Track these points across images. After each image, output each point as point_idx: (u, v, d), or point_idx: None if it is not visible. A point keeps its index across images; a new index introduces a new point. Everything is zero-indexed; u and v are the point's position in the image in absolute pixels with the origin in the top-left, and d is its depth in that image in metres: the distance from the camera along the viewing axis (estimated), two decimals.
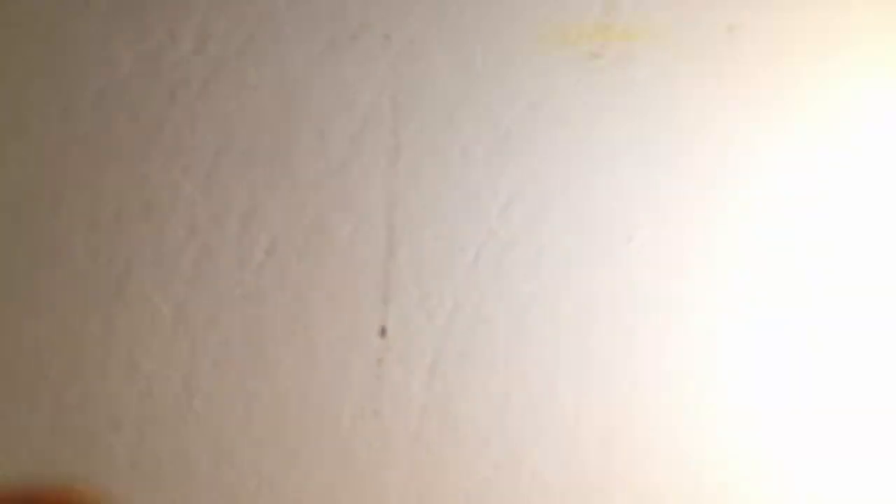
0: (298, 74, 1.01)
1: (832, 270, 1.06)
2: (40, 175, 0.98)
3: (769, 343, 1.06)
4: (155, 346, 0.98)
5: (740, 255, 1.07)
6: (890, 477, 1.04)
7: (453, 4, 1.05)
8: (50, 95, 0.98)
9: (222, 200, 0.99)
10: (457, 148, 1.04)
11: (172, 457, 0.98)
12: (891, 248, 1.05)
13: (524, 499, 1.02)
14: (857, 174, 1.08)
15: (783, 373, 1.06)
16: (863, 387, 1.05)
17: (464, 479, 1.02)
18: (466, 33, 1.04)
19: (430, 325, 1.03)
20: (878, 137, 1.08)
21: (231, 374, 0.99)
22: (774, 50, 1.08)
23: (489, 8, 1.05)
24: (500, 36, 1.05)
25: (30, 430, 0.96)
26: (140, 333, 0.98)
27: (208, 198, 0.99)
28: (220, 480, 0.98)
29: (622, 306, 1.05)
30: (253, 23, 1.01)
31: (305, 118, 1.01)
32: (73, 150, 0.99)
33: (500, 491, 1.02)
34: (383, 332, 1.02)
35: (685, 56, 1.06)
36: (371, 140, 1.01)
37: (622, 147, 1.04)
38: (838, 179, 1.08)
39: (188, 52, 1.00)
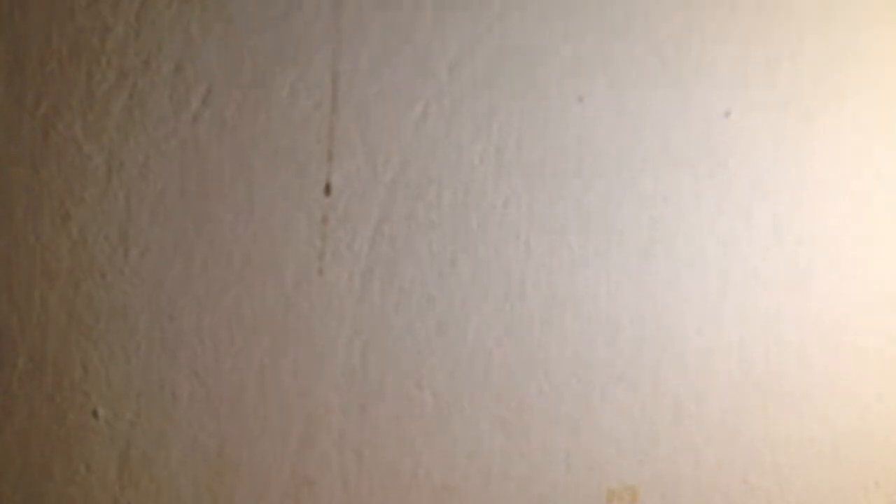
0: None
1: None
2: None
3: (718, 198, 1.05)
4: (87, 196, 0.94)
5: (690, 116, 1.05)
6: None
7: None
8: None
9: (154, 43, 0.93)
10: None
11: (110, 311, 0.96)
12: None
13: (466, 360, 1.03)
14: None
15: (732, 226, 1.06)
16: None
17: (407, 339, 1.02)
18: None
19: (376, 183, 1.00)
20: None
21: (169, 227, 0.96)
22: None
23: None
24: None
25: None
26: (71, 182, 0.94)
27: (139, 39, 0.93)
28: (159, 337, 0.97)
29: (573, 166, 1.03)
30: None
31: None
32: None
33: (443, 351, 1.02)
34: (328, 189, 0.99)
35: None
36: None
37: (577, 5, 1.00)
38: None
39: None
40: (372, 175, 1.00)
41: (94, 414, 0.96)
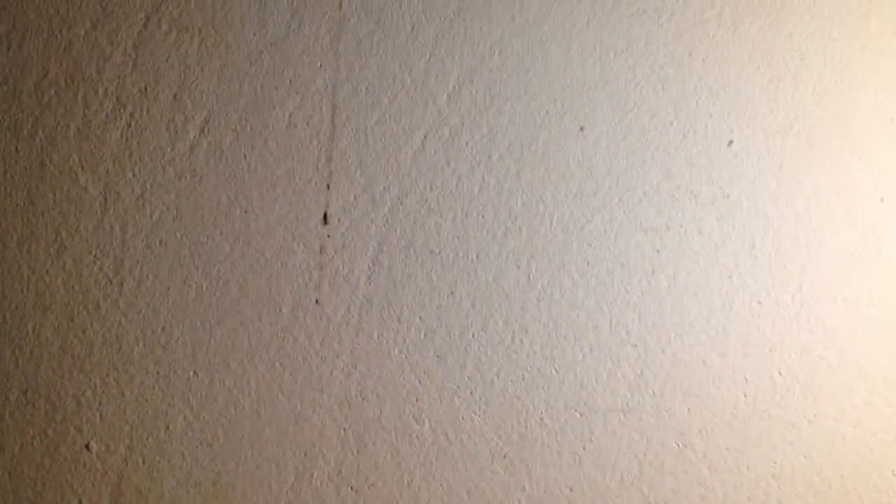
0: None
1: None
2: None
3: (721, 227, 1.04)
4: (82, 226, 0.93)
5: (693, 145, 1.04)
6: None
7: None
8: None
9: (152, 72, 0.93)
10: (406, 25, 0.98)
11: (104, 342, 0.94)
12: None
13: (466, 392, 1.01)
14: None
15: (736, 255, 1.05)
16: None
17: (406, 370, 1.00)
18: None
19: (374, 212, 0.99)
20: None
21: (164, 257, 0.95)
22: None
23: None
24: None
25: None
26: (66, 212, 0.93)
27: (136, 69, 0.93)
28: (153, 368, 0.95)
29: (573, 195, 1.02)
30: None
31: None
32: None
33: (442, 383, 1.01)
34: (326, 218, 0.98)
35: None
36: (314, 12, 0.95)
37: (577, 33, 0.99)
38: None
39: None
40: (370, 204, 0.99)
41: (87, 447, 0.95)
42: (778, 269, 1.03)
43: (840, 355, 1.05)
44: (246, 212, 0.95)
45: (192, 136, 0.94)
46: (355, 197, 0.98)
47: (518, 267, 1.02)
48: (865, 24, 0.98)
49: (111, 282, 0.94)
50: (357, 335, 0.99)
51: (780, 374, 1.06)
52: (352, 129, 0.97)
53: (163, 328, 0.95)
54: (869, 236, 1.03)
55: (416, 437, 1.00)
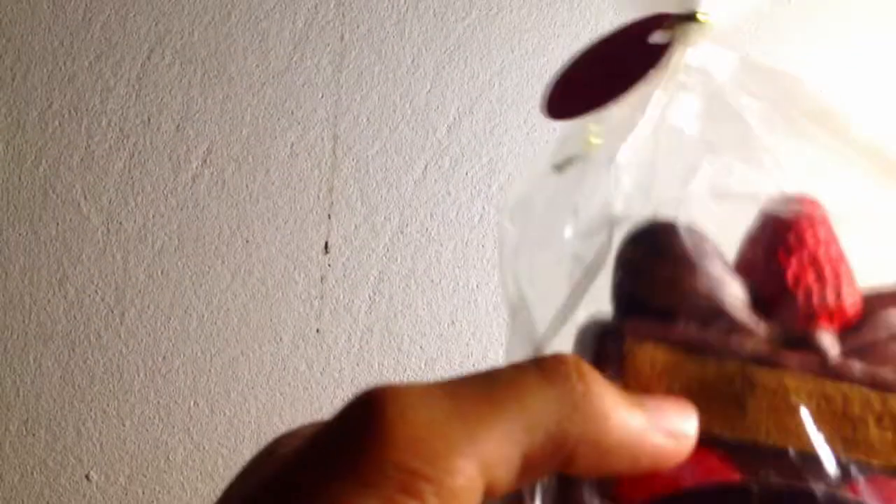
0: None
1: None
2: None
3: None
4: (84, 256, 0.94)
5: None
6: None
7: None
8: None
9: (155, 103, 0.94)
10: (407, 57, 0.99)
11: (105, 372, 0.94)
12: None
13: None
14: None
15: None
16: None
17: None
18: None
19: (375, 241, 0.99)
20: None
21: (166, 286, 0.95)
22: None
23: None
24: None
25: None
26: (69, 242, 0.94)
27: (140, 100, 0.94)
28: (154, 397, 0.95)
29: None
30: None
31: (246, 17, 0.95)
32: None
33: None
34: (326, 247, 0.98)
35: None
36: (316, 44, 0.96)
37: None
38: None
39: None
40: (371, 233, 0.99)
41: (87, 477, 0.94)
42: None
43: None
44: (247, 241, 0.96)
45: (194, 167, 0.94)
46: (356, 226, 0.99)
47: None
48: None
49: (112, 311, 0.94)
50: (358, 364, 0.99)
51: None
52: (353, 159, 0.98)
53: (163, 357, 0.95)
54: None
55: None
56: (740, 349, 0.26)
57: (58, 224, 0.93)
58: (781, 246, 0.28)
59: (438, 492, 0.21)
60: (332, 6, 0.96)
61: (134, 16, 0.93)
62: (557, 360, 0.24)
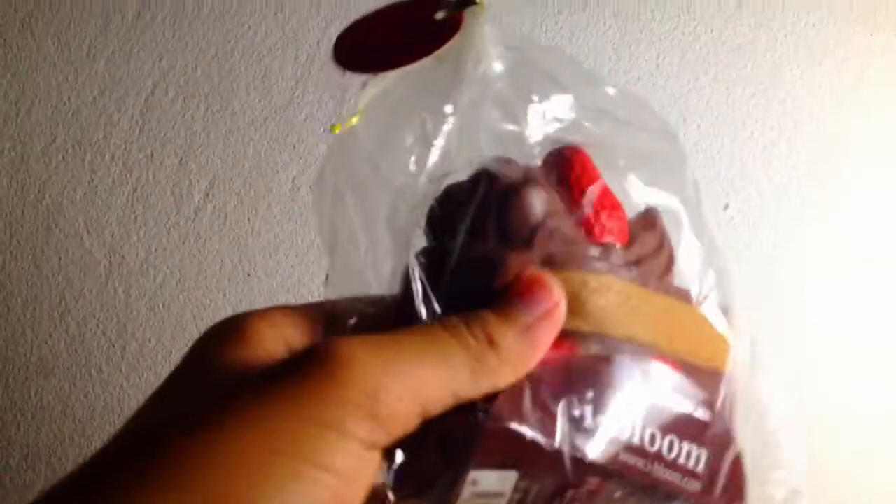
0: (243, 6, 0.96)
1: None
2: None
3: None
4: (86, 290, 0.94)
5: None
6: None
7: None
8: None
9: (158, 137, 0.94)
10: None
11: (105, 406, 0.94)
12: None
13: None
14: None
15: None
16: None
17: None
18: None
19: (375, 273, 0.99)
20: None
21: (168, 320, 0.95)
22: None
23: None
24: None
25: None
26: (71, 277, 0.94)
27: (143, 134, 0.94)
28: None
29: None
30: None
31: (249, 52, 0.96)
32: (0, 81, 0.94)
33: None
34: (328, 280, 0.98)
35: None
36: (318, 79, 0.97)
37: (572, 88, 1.01)
38: None
39: None
40: (371, 266, 0.99)
41: None
42: (776, 341, 1.03)
43: (841, 427, 1.04)
44: (249, 275, 0.96)
45: (196, 201, 0.95)
46: (357, 259, 0.99)
47: None
48: (856, 94, 1.00)
49: (114, 345, 0.94)
50: None
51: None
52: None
53: None
54: (869, 305, 1.03)
55: None
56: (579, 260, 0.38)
57: (60, 258, 0.94)
58: (577, 185, 0.40)
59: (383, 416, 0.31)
60: (334, 42, 0.97)
61: (138, 52, 0.94)
62: (470, 320, 0.35)
